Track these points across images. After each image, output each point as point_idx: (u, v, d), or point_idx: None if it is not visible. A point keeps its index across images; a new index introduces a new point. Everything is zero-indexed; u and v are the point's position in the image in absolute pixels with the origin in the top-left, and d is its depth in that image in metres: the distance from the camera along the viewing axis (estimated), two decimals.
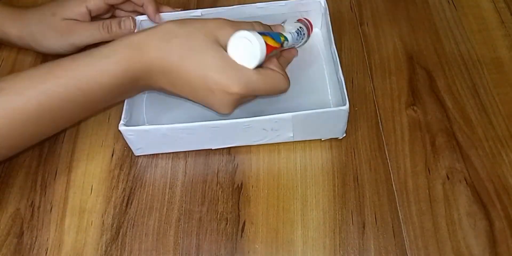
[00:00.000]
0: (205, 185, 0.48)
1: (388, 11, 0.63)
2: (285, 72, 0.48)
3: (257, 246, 0.45)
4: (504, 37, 0.59)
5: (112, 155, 0.51)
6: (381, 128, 0.52)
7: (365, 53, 0.58)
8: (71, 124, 0.51)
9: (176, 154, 0.51)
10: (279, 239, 0.45)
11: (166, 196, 0.48)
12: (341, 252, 0.44)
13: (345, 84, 0.48)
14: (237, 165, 0.49)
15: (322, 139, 0.51)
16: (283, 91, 0.48)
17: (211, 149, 0.50)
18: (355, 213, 0.46)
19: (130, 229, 0.46)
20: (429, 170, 0.49)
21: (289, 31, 0.51)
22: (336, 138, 0.51)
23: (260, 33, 0.44)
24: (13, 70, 0.58)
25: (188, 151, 0.51)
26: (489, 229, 0.45)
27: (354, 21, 0.62)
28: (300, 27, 0.53)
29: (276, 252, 0.45)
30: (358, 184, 0.48)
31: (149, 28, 0.45)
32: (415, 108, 0.53)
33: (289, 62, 0.54)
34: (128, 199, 0.48)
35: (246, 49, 0.43)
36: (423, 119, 0.52)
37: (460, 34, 0.60)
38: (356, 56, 0.58)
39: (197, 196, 0.48)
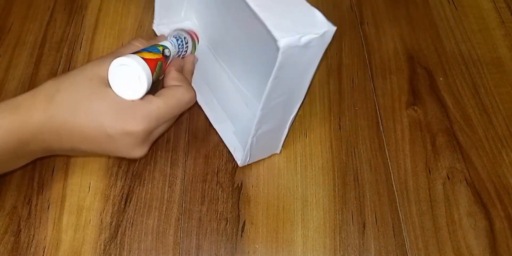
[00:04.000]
0: (205, 185, 0.48)
1: (388, 11, 0.63)
2: (188, 82, 0.45)
3: (257, 246, 0.44)
4: (505, 37, 0.59)
5: None
6: (381, 128, 0.52)
7: (366, 53, 0.58)
8: None
9: (175, 152, 0.50)
10: (279, 239, 0.45)
11: (166, 195, 0.47)
12: (341, 252, 0.44)
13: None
14: (237, 164, 0.49)
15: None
16: (190, 103, 0.44)
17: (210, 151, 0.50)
18: (355, 213, 0.46)
19: (129, 228, 0.45)
20: (429, 170, 0.49)
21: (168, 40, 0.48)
22: (331, 138, 0.51)
23: (135, 53, 0.41)
24: (9, 66, 0.57)
25: (188, 149, 0.50)
26: (490, 229, 0.45)
27: (355, 21, 0.62)
28: (177, 34, 0.50)
29: (276, 252, 0.44)
30: (358, 184, 0.48)
31: (31, 90, 0.41)
32: (415, 107, 0.53)
33: (192, 71, 0.50)
34: (127, 198, 0.47)
35: (128, 76, 0.40)
36: (423, 119, 0.52)
37: (460, 33, 0.60)
38: (357, 56, 0.58)
39: (197, 196, 0.47)
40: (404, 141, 0.51)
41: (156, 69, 0.42)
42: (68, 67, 0.57)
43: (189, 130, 0.52)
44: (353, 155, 0.50)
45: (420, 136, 0.51)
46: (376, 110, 0.53)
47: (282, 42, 0.35)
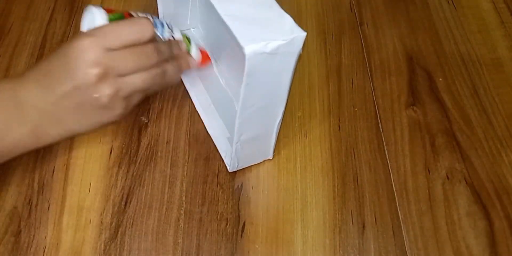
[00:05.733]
0: (205, 186, 0.48)
1: (388, 12, 0.63)
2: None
3: (257, 246, 0.45)
4: (504, 37, 0.59)
5: (111, 153, 0.50)
6: (380, 129, 0.52)
7: (365, 54, 0.58)
8: None
9: (175, 153, 0.50)
10: (279, 239, 0.45)
11: (166, 196, 0.47)
12: (341, 252, 0.44)
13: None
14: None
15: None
16: (143, 26, 0.44)
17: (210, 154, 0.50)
18: (355, 213, 0.46)
19: (129, 228, 0.45)
20: (429, 170, 0.49)
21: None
22: (330, 139, 0.51)
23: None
24: (10, 66, 0.57)
25: (188, 151, 0.50)
26: (489, 229, 0.45)
27: (354, 22, 0.62)
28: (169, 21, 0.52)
29: (276, 252, 0.44)
30: (358, 184, 0.48)
31: None
32: (414, 108, 0.53)
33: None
34: (127, 198, 0.47)
35: (90, 21, 0.46)
36: (422, 120, 0.53)
37: (460, 34, 0.60)
38: (356, 57, 0.58)
39: (197, 197, 0.47)
40: (404, 141, 0.51)
41: (114, 15, 0.47)
42: None
43: (189, 132, 0.52)
44: (353, 155, 0.50)
45: (420, 137, 0.51)
46: (376, 110, 0.53)
47: (247, 49, 0.35)
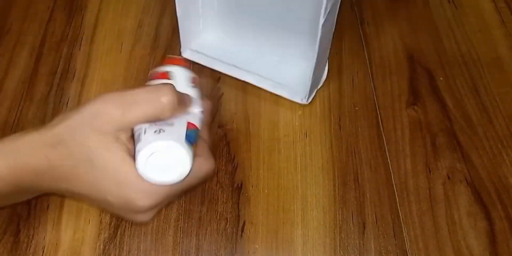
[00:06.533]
0: (205, 185, 0.48)
1: (388, 11, 0.62)
2: (208, 150, 0.40)
3: (257, 246, 0.44)
4: (505, 37, 0.59)
5: None
6: (381, 128, 0.52)
7: (366, 53, 0.58)
8: None
9: None
10: (279, 239, 0.45)
11: None
12: (341, 252, 0.44)
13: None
14: (237, 164, 0.49)
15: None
16: (208, 175, 0.40)
17: None
18: (356, 213, 0.46)
19: (128, 228, 0.45)
20: (429, 170, 0.49)
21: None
22: (331, 138, 0.51)
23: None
24: (9, 66, 0.57)
25: None
26: (490, 229, 0.45)
27: (355, 20, 0.62)
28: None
29: (276, 252, 0.44)
30: (358, 184, 0.48)
31: (36, 130, 0.37)
32: (415, 107, 0.53)
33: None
34: None
35: (168, 159, 0.35)
36: (423, 119, 0.52)
37: (460, 33, 0.59)
38: (357, 56, 0.58)
39: (196, 196, 0.47)
40: (404, 141, 0.51)
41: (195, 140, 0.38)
42: (68, 67, 0.57)
43: None
44: (353, 155, 0.50)
45: (420, 136, 0.51)
46: (376, 110, 0.53)
47: None
